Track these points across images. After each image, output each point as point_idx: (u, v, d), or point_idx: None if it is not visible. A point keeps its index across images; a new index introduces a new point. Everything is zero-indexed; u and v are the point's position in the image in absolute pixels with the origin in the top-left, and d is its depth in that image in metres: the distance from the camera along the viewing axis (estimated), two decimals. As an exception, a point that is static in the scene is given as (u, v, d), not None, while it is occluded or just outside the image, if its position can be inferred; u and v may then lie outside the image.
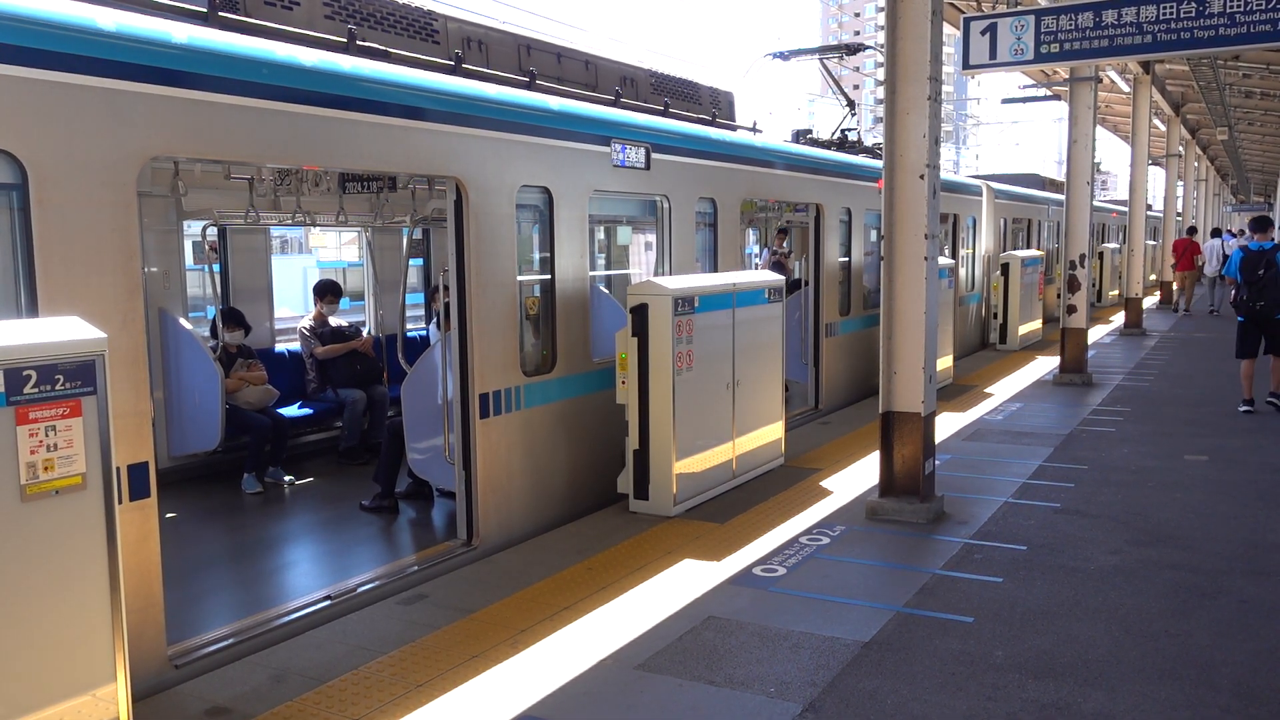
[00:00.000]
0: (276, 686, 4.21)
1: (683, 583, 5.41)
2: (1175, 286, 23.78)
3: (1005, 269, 15.96)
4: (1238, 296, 10.32)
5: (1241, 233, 28.44)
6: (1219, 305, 22.06)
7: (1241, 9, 7.85)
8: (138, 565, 4.18)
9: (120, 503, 3.57)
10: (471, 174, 5.94)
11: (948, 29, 11.48)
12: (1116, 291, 25.66)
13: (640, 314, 6.57)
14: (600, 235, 10.70)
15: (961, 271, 15.32)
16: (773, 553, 5.92)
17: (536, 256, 7.06)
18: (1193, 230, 24.51)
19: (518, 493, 6.47)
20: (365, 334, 9.19)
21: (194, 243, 10.71)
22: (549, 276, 6.82)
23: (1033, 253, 17.57)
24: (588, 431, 7.10)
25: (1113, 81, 18.90)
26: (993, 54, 8.95)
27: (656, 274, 8.19)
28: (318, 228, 8.84)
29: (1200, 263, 22.73)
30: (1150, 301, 24.51)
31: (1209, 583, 5.39)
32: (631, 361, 6.64)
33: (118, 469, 3.61)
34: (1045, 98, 22.73)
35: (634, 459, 6.73)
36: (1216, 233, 26.43)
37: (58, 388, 3.22)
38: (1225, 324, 19.75)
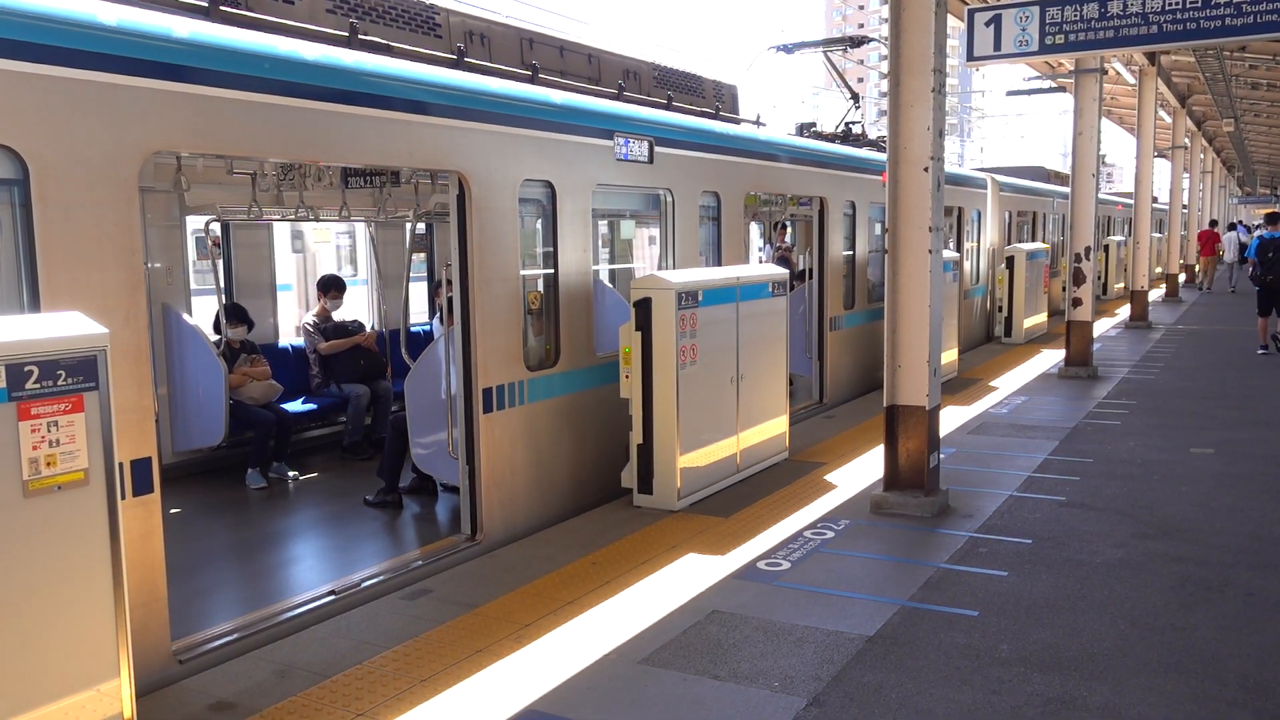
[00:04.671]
0: (281, 681, 4.21)
1: (687, 577, 5.41)
2: (1200, 269, 28.58)
3: (1010, 262, 15.94)
4: (1254, 272, 14.49)
5: (1241, 223, 35.01)
6: (1236, 285, 26.48)
7: (1247, -1, 7.80)
8: (141, 561, 4.18)
9: (123, 498, 3.57)
10: (474, 168, 5.93)
11: (952, 21, 11.39)
12: (1122, 284, 25.61)
13: (644, 308, 6.56)
14: (603, 229, 10.68)
15: (966, 265, 15.29)
16: (777, 547, 5.91)
17: (539, 250, 7.04)
18: (1214, 223, 30.21)
19: (521, 487, 6.47)
20: (368, 329, 9.19)
21: (197, 238, 10.69)
22: (552, 271, 6.80)
23: (1038, 246, 17.52)
24: (591, 426, 7.09)
25: (1118, 73, 18.80)
26: (997, 46, 8.92)
27: (660, 268, 8.18)
28: (320, 222, 8.83)
29: (1220, 250, 27.61)
30: (1156, 294, 24.48)
31: (1215, 576, 5.37)
32: (635, 355, 6.62)
33: (120, 464, 3.61)
34: (1050, 90, 22.59)
35: (638, 453, 6.72)
36: (1233, 226, 30.43)
37: (60, 383, 3.22)
38: (1233, 316, 19.72)
